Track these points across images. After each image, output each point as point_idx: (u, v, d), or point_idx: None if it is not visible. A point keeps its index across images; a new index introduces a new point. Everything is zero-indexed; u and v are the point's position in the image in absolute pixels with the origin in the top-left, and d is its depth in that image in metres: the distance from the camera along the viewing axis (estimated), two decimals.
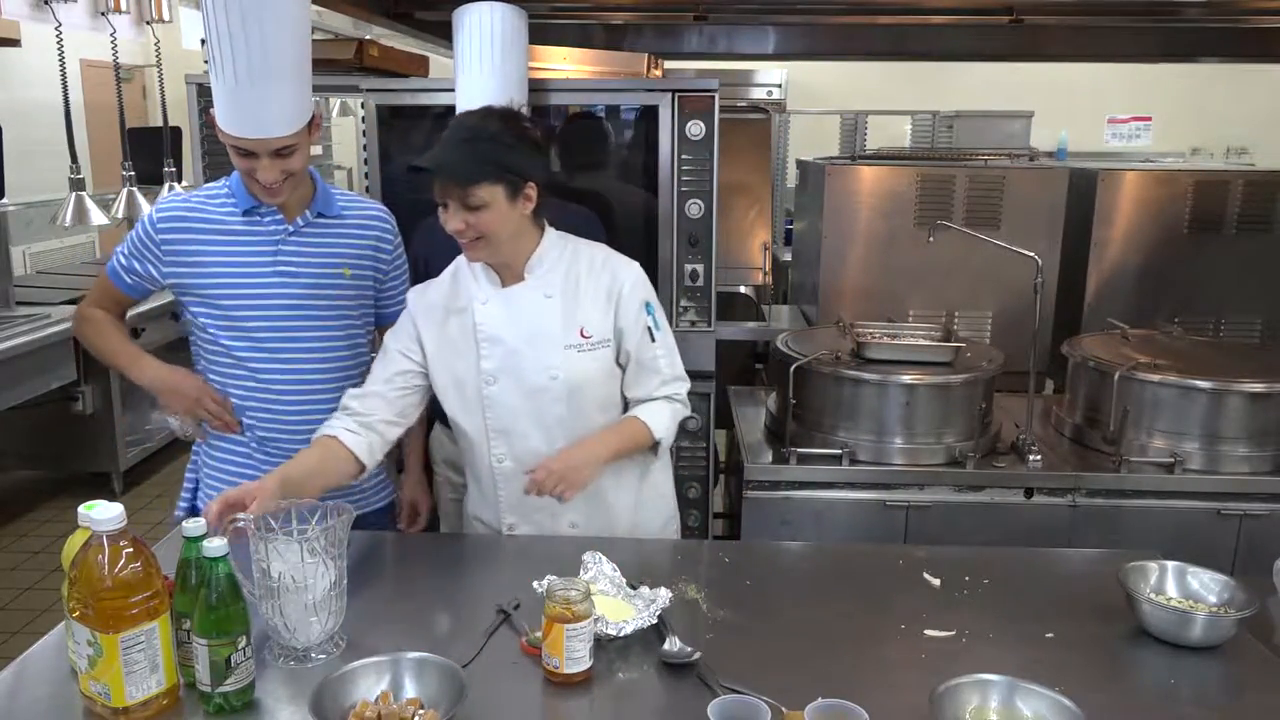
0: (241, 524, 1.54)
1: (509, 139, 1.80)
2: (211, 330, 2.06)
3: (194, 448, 2.23)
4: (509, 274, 1.91)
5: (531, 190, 1.83)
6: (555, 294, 1.90)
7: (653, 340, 1.93)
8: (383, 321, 2.21)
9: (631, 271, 1.94)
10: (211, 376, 2.11)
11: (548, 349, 1.89)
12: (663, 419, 1.95)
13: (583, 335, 1.89)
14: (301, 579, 1.49)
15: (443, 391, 1.97)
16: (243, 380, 2.08)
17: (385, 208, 2.21)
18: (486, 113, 1.86)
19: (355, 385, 2.05)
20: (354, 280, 2.11)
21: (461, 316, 1.93)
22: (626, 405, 2.01)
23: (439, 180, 1.79)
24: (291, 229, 2.04)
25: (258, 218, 2.03)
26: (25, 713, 1.41)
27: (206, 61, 1.93)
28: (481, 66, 2.36)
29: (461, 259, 1.94)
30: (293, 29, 1.90)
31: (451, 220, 1.80)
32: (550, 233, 1.94)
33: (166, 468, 5.20)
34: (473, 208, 1.77)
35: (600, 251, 1.97)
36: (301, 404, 2.09)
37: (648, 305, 1.93)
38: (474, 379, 1.91)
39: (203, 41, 2.16)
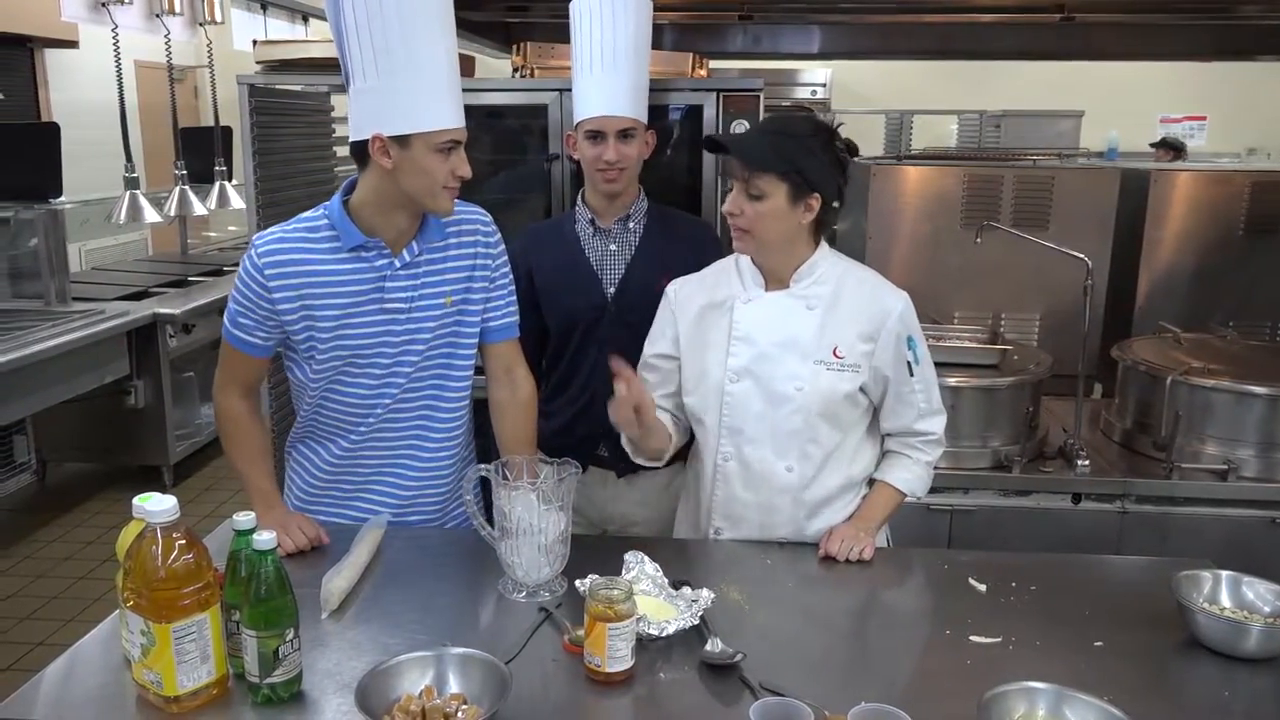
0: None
1: (814, 146, 1.81)
2: (315, 373, 1.94)
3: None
4: (774, 280, 1.92)
5: (815, 201, 1.82)
6: (817, 307, 1.89)
7: (911, 374, 1.91)
8: (487, 339, 2.04)
9: (899, 304, 1.91)
10: (318, 414, 2.00)
11: (798, 360, 1.88)
12: (919, 482, 1.99)
13: (835, 355, 1.88)
14: (536, 524, 1.67)
15: (686, 382, 1.99)
16: (352, 421, 1.97)
17: (482, 210, 2.05)
18: (805, 117, 1.91)
19: (459, 418, 2.04)
20: (457, 308, 1.97)
21: (719, 311, 1.95)
22: (871, 435, 2.00)
23: (733, 156, 1.85)
24: (399, 263, 1.90)
25: (363, 253, 1.88)
26: (79, 699, 1.45)
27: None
28: (604, 65, 2.20)
29: (730, 258, 1.98)
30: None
31: (731, 202, 1.84)
32: (824, 248, 1.94)
33: (215, 461, 5.29)
34: (753, 196, 1.81)
35: (870, 276, 1.96)
36: (412, 447, 2.01)
37: (910, 340, 1.90)
38: (718, 374, 1.92)
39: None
